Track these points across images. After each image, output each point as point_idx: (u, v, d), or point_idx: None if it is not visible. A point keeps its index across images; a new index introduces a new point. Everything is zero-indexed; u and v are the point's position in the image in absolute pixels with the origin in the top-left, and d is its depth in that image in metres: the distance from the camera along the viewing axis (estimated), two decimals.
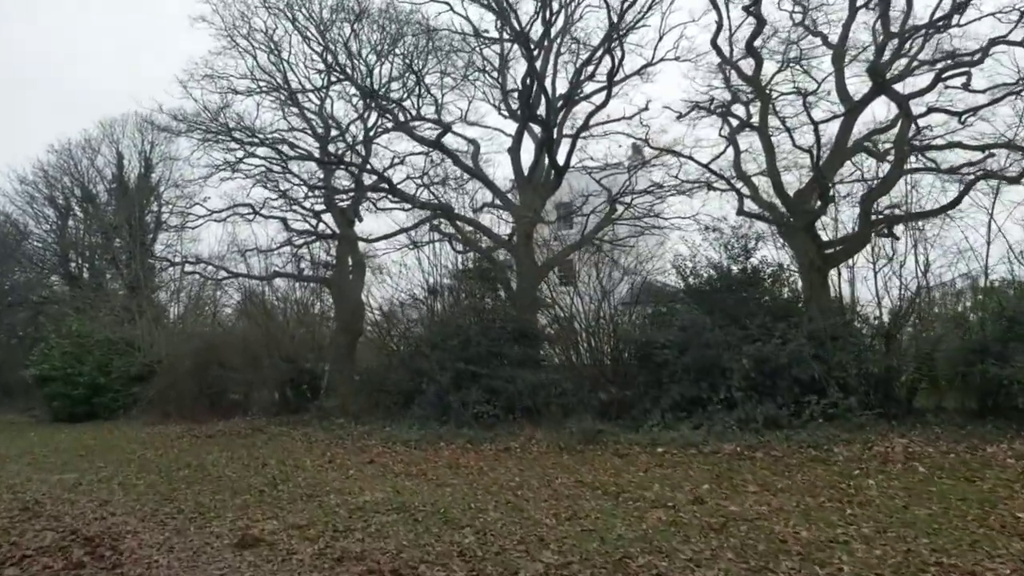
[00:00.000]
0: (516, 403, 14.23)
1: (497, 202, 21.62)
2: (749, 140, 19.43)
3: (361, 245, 26.16)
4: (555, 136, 18.60)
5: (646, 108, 20.33)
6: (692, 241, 31.07)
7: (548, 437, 12.48)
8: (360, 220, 27.30)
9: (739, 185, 16.70)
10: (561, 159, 18.86)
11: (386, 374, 17.26)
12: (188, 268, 26.90)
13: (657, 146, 17.97)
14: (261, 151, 22.20)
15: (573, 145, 18.81)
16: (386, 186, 18.80)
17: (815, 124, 13.99)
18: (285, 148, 21.48)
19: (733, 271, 14.43)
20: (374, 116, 24.03)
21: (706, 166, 16.56)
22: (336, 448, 13.52)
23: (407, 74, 19.99)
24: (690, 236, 20.43)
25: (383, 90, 19.74)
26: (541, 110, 19.64)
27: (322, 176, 27.78)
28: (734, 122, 19.29)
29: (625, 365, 13.62)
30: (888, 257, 13.98)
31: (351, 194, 21.62)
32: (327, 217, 29.67)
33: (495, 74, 22.83)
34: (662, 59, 20.27)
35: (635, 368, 13.16)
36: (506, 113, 22.98)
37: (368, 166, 19.73)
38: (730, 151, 18.86)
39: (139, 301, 25.16)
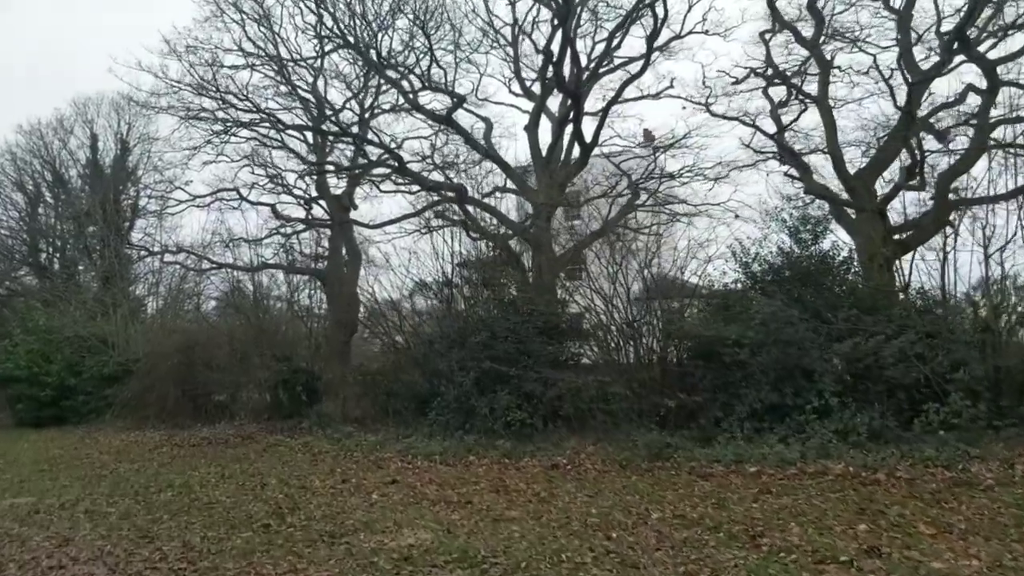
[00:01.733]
0: (555, 410, 12.30)
1: (511, 186, 19.72)
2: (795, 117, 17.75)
3: (358, 234, 24.19)
4: (582, 110, 16.61)
5: (670, 86, 18.60)
6: (734, 227, 28.76)
7: (601, 451, 10.55)
8: (355, 207, 25.38)
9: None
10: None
11: (395, 375, 15.21)
12: (168, 258, 24.74)
13: (719, 114, 16.00)
14: (253, 125, 19.95)
15: (602, 120, 16.87)
16: (394, 163, 16.72)
17: (910, 83, 12.12)
18: (283, 117, 19.25)
19: (802, 257, 12.57)
20: (372, 93, 22.07)
21: (773, 137, 14.66)
22: (346, 462, 11.50)
23: (415, 37, 17.87)
24: (723, 222, 18.57)
25: (390, 56, 17.61)
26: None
27: (315, 160, 25.75)
28: (776, 97, 17.53)
29: (683, 366, 11.67)
30: (982, 242, 12.11)
31: (355, 172, 19.44)
32: (319, 206, 27.80)
33: (508, 49, 20.91)
34: (691, 31, 18.43)
35: (699, 370, 11.22)
36: (517, 91, 21.06)
37: (376, 139, 17.60)
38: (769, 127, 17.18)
39: (114, 294, 22.89)
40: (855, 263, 13.28)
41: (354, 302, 22.61)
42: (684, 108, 17.74)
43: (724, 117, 15.94)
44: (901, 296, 12.36)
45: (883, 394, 10.09)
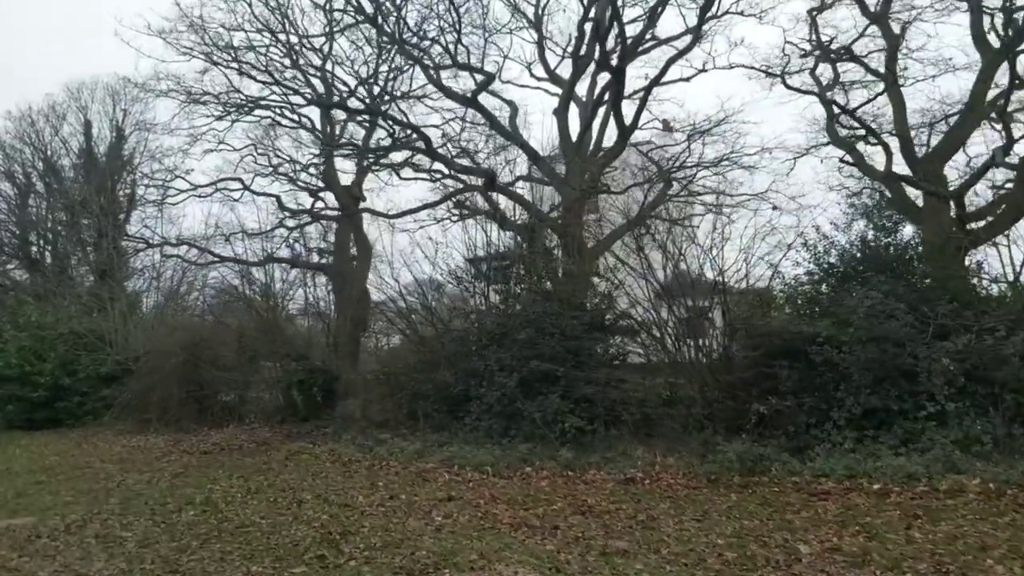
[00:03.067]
0: (615, 415, 11.10)
1: (536, 174, 18.49)
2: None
3: (368, 227, 22.91)
4: (624, 88, 15.35)
5: (699, 70, 17.38)
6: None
7: (678, 463, 9.34)
8: (364, 199, 24.08)
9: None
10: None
11: (426, 375, 13.94)
12: (168, 251, 23.33)
13: (795, 86, 14.75)
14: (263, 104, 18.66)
15: (644, 99, 15.66)
16: (422, 145, 15.43)
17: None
18: (295, 99, 17.93)
19: (885, 246, 11.44)
20: (384, 78, 20.73)
21: (852, 113, 13.46)
22: (384, 474, 10.25)
23: (439, 9, 16.51)
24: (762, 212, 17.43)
25: (418, 28, 16.24)
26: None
27: (325, 145, 24.45)
28: (826, 78, 16.39)
29: (763, 366, 10.42)
30: None
31: (379, 153, 18.04)
32: (324, 199, 26.42)
33: (531, 32, 19.68)
34: (727, 12, 17.21)
35: (784, 370, 9.98)
36: (540, 75, 19.83)
37: (405, 118, 16.23)
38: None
39: (111, 288, 21.50)
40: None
41: (364, 299, 21.36)
42: (750, 79, 16.48)
43: (799, 91, 14.69)
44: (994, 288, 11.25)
45: (997, 397, 8.95)
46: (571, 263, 15.35)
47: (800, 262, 11.91)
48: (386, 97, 22.26)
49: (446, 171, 19.34)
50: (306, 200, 25.69)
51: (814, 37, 16.24)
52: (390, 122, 16.55)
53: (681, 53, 15.09)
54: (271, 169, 25.61)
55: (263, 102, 22.28)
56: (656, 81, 15.54)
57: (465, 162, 19.36)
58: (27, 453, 14.58)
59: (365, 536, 6.81)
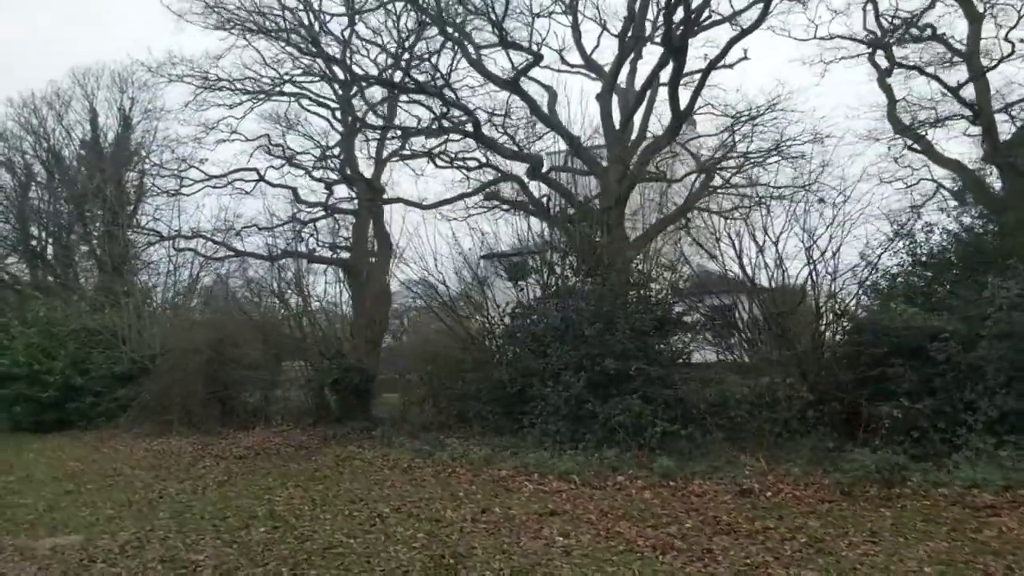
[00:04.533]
0: (700, 417, 10.15)
1: (577, 163, 17.57)
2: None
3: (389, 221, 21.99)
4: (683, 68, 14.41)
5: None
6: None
7: (795, 472, 8.38)
8: (384, 191, 23.11)
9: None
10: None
11: (478, 375, 12.96)
12: (182, 244, 22.28)
13: (902, 60, 13.75)
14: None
15: (702, 81, 14.73)
16: (471, 128, 14.44)
17: None
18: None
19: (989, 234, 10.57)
20: (404, 65, 19.68)
21: (954, 92, 12.55)
22: (457, 482, 9.26)
23: None
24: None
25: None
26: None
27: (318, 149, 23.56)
28: (895, 59, 15.52)
29: (870, 364, 9.47)
30: None
31: (431, 132, 16.96)
32: (340, 192, 25.38)
33: (566, 16, 18.70)
34: None
35: (898, 370, 9.03)
36: (574, 61, 18.87)
37: (455, 96, 15.17)
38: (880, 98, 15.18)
39: (125, 282, 20.38)
40: None
41: (384, 296, 20.38)
42: (804, 64, 15.55)
43: (902, 65, 13.75)
44: None
45: None
46: (621, 255, 14.50)
47: (893, 254, 10.99)
48: (407, 83, 21.44)
49: (481, 159, 18.42)
50: (322, 193, 24.79)
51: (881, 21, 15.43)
52: (439, 101, 15.48)
53: (746, 31, 14.10)
54: (284, 161, 24.69)
55: (286, 86, 21.38)
56: (716, 62, 14.58)
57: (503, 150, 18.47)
58: (43, 458, 13.47)
59: (483, 560, 5.84)
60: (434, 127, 16.43)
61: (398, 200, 17.92)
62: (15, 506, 8.80)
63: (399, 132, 17.84)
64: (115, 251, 21.34)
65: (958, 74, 14.23)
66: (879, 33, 15.81)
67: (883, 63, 15.85)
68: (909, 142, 14.96)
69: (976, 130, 13.58)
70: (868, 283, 10.79)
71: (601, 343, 11.04)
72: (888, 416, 8.35)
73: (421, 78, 17.14)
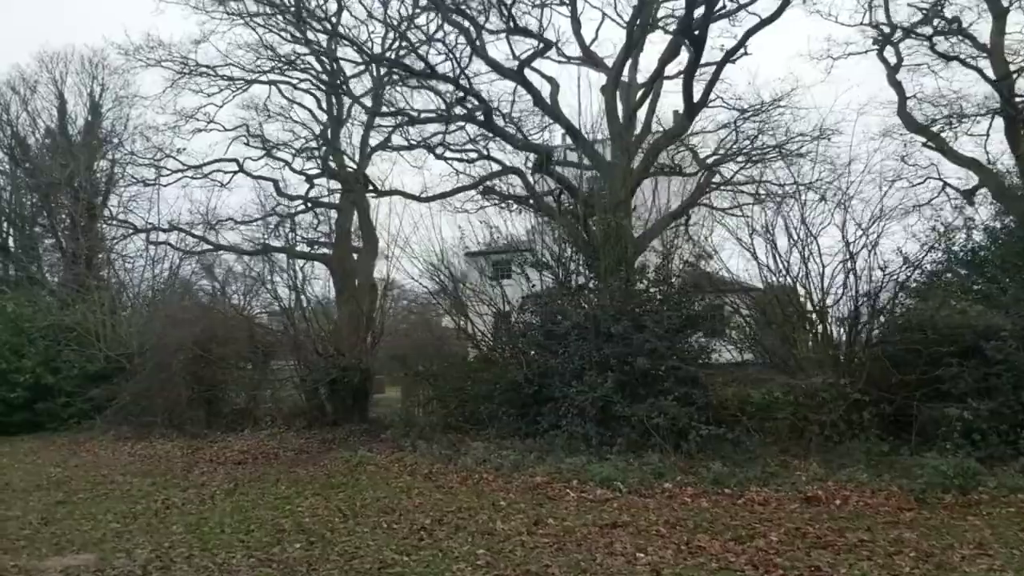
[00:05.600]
0: (734, 419, 9.67)
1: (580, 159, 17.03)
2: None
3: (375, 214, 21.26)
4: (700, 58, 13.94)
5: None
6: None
7: (856, 478, 7.92)
8: (370, 185, 22.32)
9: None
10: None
11: (494, 375, 12.32)
12: (158, 237, 21.18)
13: (942, 52, 13.33)
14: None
15: (718, 72, 14.32)
16: (482, 117, 13.79)
17: None
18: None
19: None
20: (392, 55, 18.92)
21: (996, 83, 12.26)
22: (489, 488, 8.67)
23: None
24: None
25: None
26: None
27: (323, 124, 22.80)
28: (893, 59, 15.35)
29: (919, 363, 9.06)
30: None
31: (443, 119, 16.18)
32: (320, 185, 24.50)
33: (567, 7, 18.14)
34: None
35: (951, 370, 8.64)
36: (571, 54, 18.31)
37: (469, 83, 14.41)
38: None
39: (95, 275, 19.27)
40: None
41: (371, 292, 19.62)
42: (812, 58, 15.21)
43: (945, 56, 13.40)
44: None
45: None
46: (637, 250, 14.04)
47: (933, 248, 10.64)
48: (394, 76, 20.67)
49: (483, 151, 17.81)
50: (306, 186, 23.89)
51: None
52: (453, 87, 14.75)
53: (765, 21, 13.71)
54: (264, 153, 23.72)
55: (271, 73, 20.53)
56: (732, 53, 14.18)
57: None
58: (17, 464, 12.49)
59: None
60: (442, 114, 15.71)
61: (395, 192, 17.16)
62: (3, 519, 7.92)
63: (407, 119, 16.93)
64: (90, 243, 20.15)
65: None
66: (889, 29, 15.62)
67: (892, 59, 15.71)
68: (923, 140, 14.73)
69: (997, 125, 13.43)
70: (909, 281, 10.42)
71: (628, 341, 10.51)
72: (958, 418, 7.92)
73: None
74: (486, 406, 12.22)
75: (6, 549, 6.56)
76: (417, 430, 12.31)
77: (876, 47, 15.99)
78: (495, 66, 15.81)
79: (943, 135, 14.60)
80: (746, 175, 18.40)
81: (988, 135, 13.73)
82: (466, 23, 15.33)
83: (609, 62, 17.33)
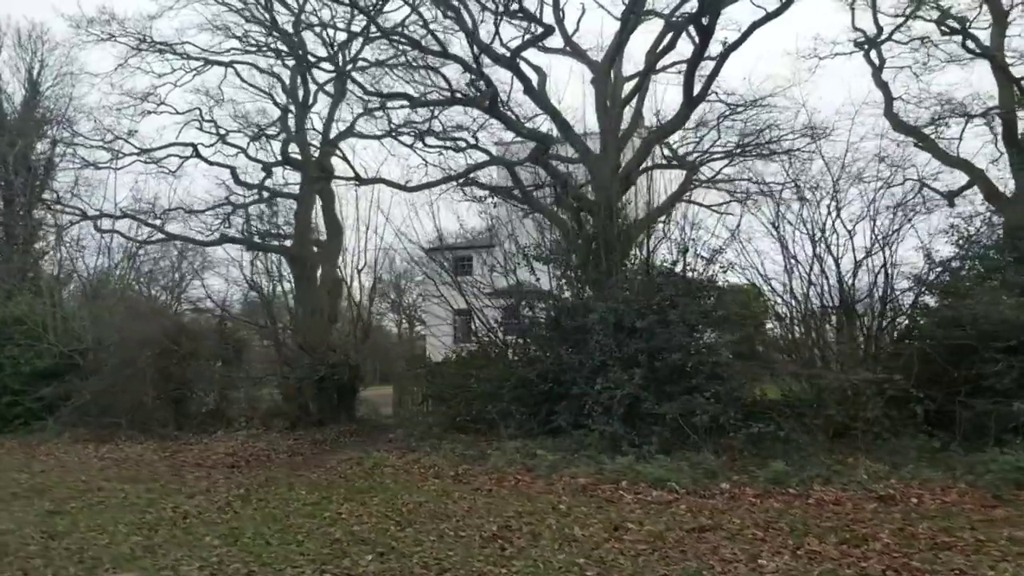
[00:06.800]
0: (768, 415, 9.41)
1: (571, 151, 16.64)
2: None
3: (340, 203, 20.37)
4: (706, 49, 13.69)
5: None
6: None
7: (920, 475, 7.73)
8: (333, 172, 21.35)
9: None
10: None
11: (501, 373, 11.79)
12: (106, 224, 19.66)
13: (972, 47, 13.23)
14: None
15: (719, 65, 14.07)
16: (487, 101, 13.19)
17: None
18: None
19: None
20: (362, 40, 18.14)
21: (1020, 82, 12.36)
22: (534, 491, 8.11)
23: None
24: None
25: None
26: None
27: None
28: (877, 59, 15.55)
29: (960, 357, 9.00)
30: None
31: (448, 103, 15.40)
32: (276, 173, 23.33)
33: None
34: None
35: (993, 364, 8.59)
36: (554, 46, 17.89)
37: (477, 64, 13.62)
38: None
39: (33, 264, 17.77)
40: None
41: (335, 287, 18.78)
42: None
43: (973, 52, 13.41)
44: None
45: None
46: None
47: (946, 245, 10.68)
48: (360, 61, 19.87)
49: (470, 140, 17.23)
50: (259, 174, 22.66)
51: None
52: (461, 68, 14.05)
53: (771, 15, 13.55)
54: (219, 138, 22.41)
55: (233, 53, 19.43)
56: (736, 46, 13.93)
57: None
58: None
59: None
60: (446, 96, 14.98)
61: (379, 180, 16.31)
62: None
63: (407, 102, 16.05)
64: (23, 229, 18.49)
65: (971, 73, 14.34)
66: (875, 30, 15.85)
67: (876, 60, 15.95)
68: (913, 140, 14.92)
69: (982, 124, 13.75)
70: (931, 278, 10.41)
71: (653, 336, 10.15)
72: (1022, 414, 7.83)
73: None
74: (494, 405, 11.67)
75: (26, 571, 5.64)
76: (424, 429, 11.66)
77: (861, 49, 16.21)
78: (489, 52, 15.19)
79: (932, 136, 14.83)
80: (752, 173, 18.41)
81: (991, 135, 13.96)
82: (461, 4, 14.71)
83: (592, 55, 17.04)
